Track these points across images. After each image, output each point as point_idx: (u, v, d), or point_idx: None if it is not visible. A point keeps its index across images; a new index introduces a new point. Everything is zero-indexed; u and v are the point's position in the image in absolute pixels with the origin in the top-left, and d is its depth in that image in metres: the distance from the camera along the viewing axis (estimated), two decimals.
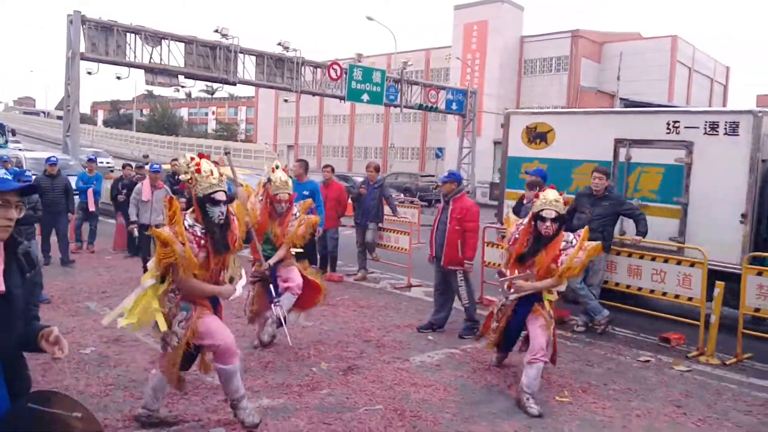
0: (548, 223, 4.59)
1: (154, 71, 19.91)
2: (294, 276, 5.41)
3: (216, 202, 3.51)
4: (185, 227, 3.48)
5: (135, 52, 19.59)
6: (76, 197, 10.27)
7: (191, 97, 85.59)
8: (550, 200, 4.65)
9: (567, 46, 45.21)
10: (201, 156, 3.66)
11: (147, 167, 10.33)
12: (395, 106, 28.57)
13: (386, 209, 9.44)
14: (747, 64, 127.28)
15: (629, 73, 42.13)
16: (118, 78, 19.63)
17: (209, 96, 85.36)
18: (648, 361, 5.62)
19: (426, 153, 52.45)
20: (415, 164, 54.27)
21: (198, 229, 3.52)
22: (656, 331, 6.42)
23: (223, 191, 3.56)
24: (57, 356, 2.03)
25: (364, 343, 5.77)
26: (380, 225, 9.28)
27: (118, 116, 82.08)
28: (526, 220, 4.90)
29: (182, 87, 22.97)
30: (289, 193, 5.36)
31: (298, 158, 8.29)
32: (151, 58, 19.93)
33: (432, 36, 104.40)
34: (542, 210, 4.63)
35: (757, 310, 5.58)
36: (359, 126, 59.06)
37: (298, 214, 5.51)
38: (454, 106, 30.68)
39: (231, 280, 3.76)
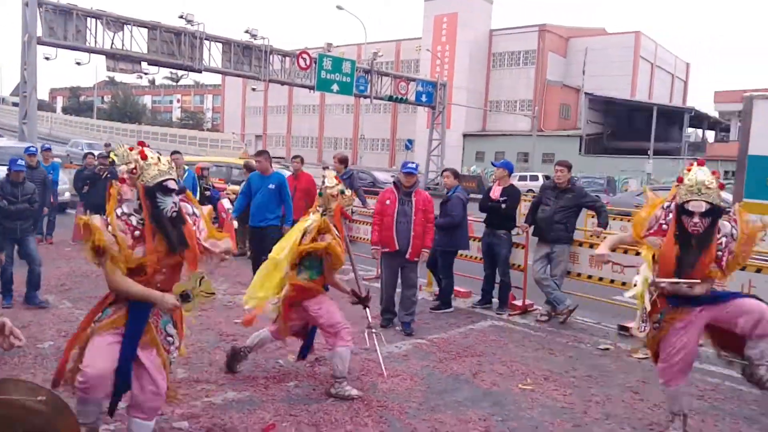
0: (696, 219, 3.42)
1: (115, 57, 19.47)
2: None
3: (168, 191, 3.07)
4: (117, 215, 3.05)
5: (96, 38, 19.12)
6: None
7: (155, 84, 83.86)
8: (699, 184, 3.42)
9: (534, 40, 45.76)
10: (141, 144, 3.25)
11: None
12: (365, 97, 28.54)
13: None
14: (706, 61, 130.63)
15: (594, 68, 42.94)
16: (78, 64, 19.19)
17: (174, 83, 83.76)
18: (607, 349, 5.79)
19: (396, 145, 52.53)
20: (385, 156, 54.37)
21: (135, 219, 3.07)
22: (616, 320, 6.62)
23: (174, 179, 3.15)
24: (16, 344, 1.98)
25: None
26: (349, 217, 9.29)
27: (78, 103, 79.98)
28: (670, 204, 3.66)
29: (145, 74, 22.60)
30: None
31: (259, 150, 7.99)
32: (112, 43, 19.48)
33: (402, 27, 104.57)
34: (688, 201, 3.44)
35: None
36: (329, 116, 58.81)
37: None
38: (423, 98, 30.79)
39: (184, 297, 3.13)
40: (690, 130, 43.16)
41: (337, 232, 4.54)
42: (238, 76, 25.27)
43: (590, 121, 43.62)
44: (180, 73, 71.63)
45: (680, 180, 3.53)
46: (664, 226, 3.65)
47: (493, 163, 7.38)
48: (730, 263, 3.57)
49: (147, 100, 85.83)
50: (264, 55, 23.26)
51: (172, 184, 3.10)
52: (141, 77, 24.03)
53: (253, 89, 41.47)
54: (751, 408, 4.47)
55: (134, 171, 3.10)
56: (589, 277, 6.71)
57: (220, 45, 22.11)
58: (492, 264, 7.13)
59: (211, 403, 4.01)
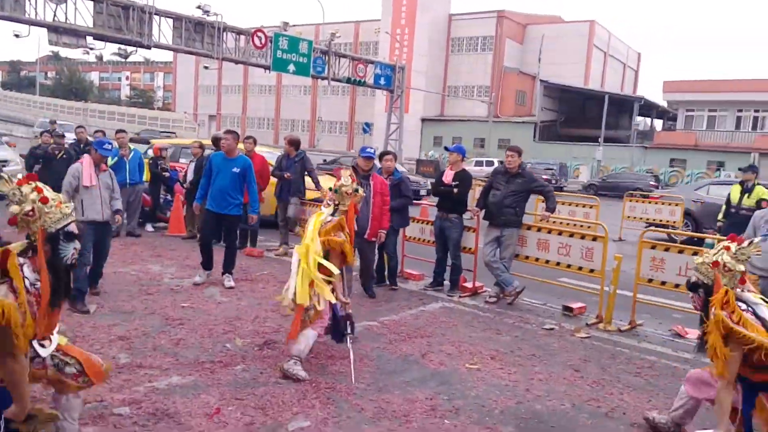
0: (690, 293, 3.45)
1: (58, 30, 18.61)
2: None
3: (72, 237, 2.75)
4: (26, 287, 2.59)
5: (36, 9, 18.22)
6: None
7: (103, 60, 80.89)
8: (700, 258, 3.40)
9: (492, 26, 46.11)
10: (31, 177, 2.79)
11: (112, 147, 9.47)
12: (323, 79, 28.22)
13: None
14: (656, 51, 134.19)
15: (550, 56, 43.60)
16: (17, 36, 18.30)
17: (123, 60, 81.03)
18: (552, 329, 5.95)
19: (354, 128, 52.31)
20: (343, 139, 54.08)
21: (37, 284, 2.67)
22: (561, 301, 6.81)
23: (76, 222, 2.84)
24: None
25: (282, 318, 5.75)
26: (302, 199, 9.23)
27: (18, 78, 76.49)
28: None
29: (91, 49, 21.76)
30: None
31: (228, 129, 7.60)
32: (55, 16, 18.59)
33: (361, 8, 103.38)
34: None
35: (650, 280, 6.03)
36: (286, 97, 58.05)
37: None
38: (382, 81, 30.68)
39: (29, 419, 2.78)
40: (639, 118, 44.39)
41: (347, 231, 4.74)
42: (190, 53, 24.61)
43: (545, 108, 44.40)
44: (129, 49, 69.26)
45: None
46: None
47: (446, 148, 7.43)
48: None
49: (94, 76, 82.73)
50: (217, 33, 22.70)
51: (74, 228, 2.79)
52: (87, 53, 23.20)
53: (206, 67, 40.62)
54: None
55: (30, 214, 2.67)
56: (537, 259, 6.87)
57: (170, 20, 21.44)
58: (444, 247, 7.22)
59: (154, 388, 3.95)
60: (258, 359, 4.63)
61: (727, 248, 3.25)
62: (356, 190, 4.87)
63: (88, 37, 19.69)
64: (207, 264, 7.00)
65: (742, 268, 3.22)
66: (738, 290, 3.26)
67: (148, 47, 21.34)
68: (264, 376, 4.30)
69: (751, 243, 3.26)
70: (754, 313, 3.16)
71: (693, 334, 5.96)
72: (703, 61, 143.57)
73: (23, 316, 2.54)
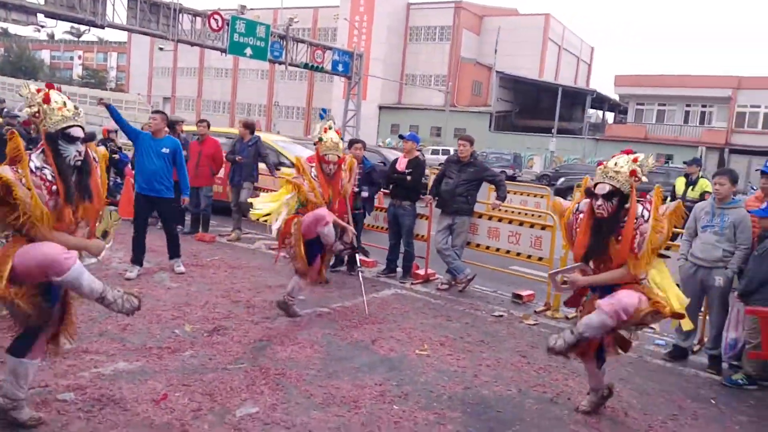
0: (600, 202, 3.48)
1: (7, 6, 17.75)
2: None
3: (72, 139, 2.93)
4: (31, 169, 2.84)
5: None
6: None
7: (54, 38, 77.72)
8: (608, 168, 3.53)
9: (450, 16, 46.28)
10: (49, 86, 3.06)
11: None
12: (280, 63, 27.79)
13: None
14: (609, 45, 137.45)
15: (505, 47, 44.13)
16: None
17: (75, 39, 77.97)
18: (501, 315, 6.08)
19: (312, 113, 51.86)
20: (300, 124, 53.56)
21: (48, 173, 2.90)
22: (511, 288, 6.96)
23: (80, 127, 2.99)
24: None
25: (233, 303, 5.72)
26: (256, 184, 9.12)
27: None
28: (584, 204, 3.69)
29: (42, 26, 20.81)
30: (339, 156, 5.39)
31: (156, 110, 7.27)
32: None
33: None
34: (596, 184, 3.53)
35: None
36: (242, 81, 57.03)
37: (343, 166, 5.63)
38: (340, 68, 30.41)
39: (104, 235, 3.33)
40: (591, 111, 45.48)
41: (314, 177, 5.36)
42: (145, 34, 23.85)
43: (500, 98, 44.97)
44: (82, 28, 66.69)
45: (600, 163, 3.66)
46: (577, 228, 3.71)
47: (401, 136, 7.46)
48: (642, 245, 3.44)
49: (45, 55, 79.34)
50: (173, 14, 22.04)
51: (76, 132, 2.96)
52: (38, 30, 22.14)
53: (161, 49, 39.48)
54: (626, 369, 4.86)
55: (37, 115, 2.95)
56: (487, 247, 6.99)
57: (125, 0, 20.71)
58: (397, 234, 7.27)
59: (99, 374, 3.86)
60: (207, 345, 4.58)
61: (635, 160, 3.50)
62: (320, 139, 5.40)
63: (39, 15, 18.82)
64: (138, 258, 6.50)
65: (645, 179, 3.53)
66: None
67: (102, 27, 20.56)
68: (213, 363, 4.26)
69: (648, 156, 3.60)
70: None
71: None
72: (654, 56, 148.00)
73: (30, 195, 2.77)
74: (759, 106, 36.44)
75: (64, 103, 2.99)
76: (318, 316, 5.62)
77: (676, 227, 3.72)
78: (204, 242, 8.42)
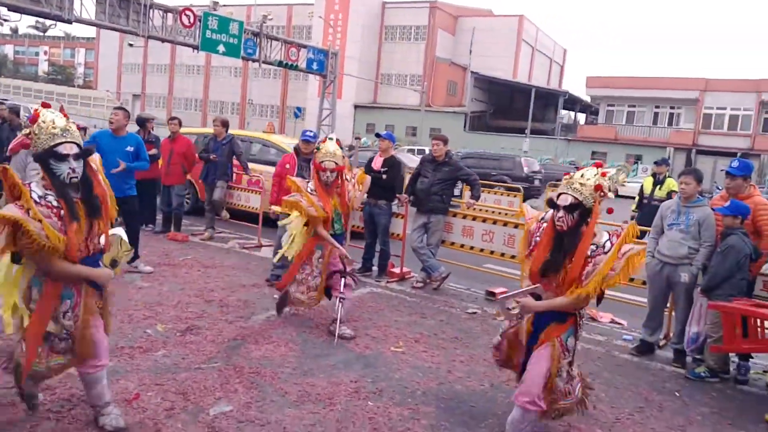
0: (561, 213, 3.20)
1: None
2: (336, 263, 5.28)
3: (61, 157, 2.85)
4: (35, 200, 2.79)
5: None
6: None
7: (18, 33, 75.85)
8: (575, 179, 3.25)
9: (425, 16, 46.43)
10: (44, 105, 3.02)
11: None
12: (254, 61, 27.53)
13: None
14: (581, 47, 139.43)
15: (480, 48, 44.47)
16: None
17: (41, 34, 76.20)
18: (475, 313, 6.15)
19: (286, 112, 51.56)
20: (274, 123, 53.14)
21: (52, 199, 2.86)
22: (484, 286, 7.03)
23: (73, 143, 2.89)
24: None
25: (206, 303, 5.68)
26: (230, 183, 9.06)
27: None
28: (548, 214, 3.42)
29: (5, 20, 20.31)
30: (336, 163, 5.03)
31: (118, 106, 7.02)
32: None
33: None
34: (559, 195, 3.26)
35: None
36: (215, 79, 56.40)
37: (348, 177, 5.33)
38: (315, 66, 30.28)
39: (113, 264, 3.25)
40: (563, 112, 46.12)
41: (311, 191, 5.08)
42: (114, 29, 23.39)
43: (475, 99, 45.30)
44: (48, 22, 65.20)
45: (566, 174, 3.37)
46: (537, 240, 3.42)
47: (378, 134, 7.49)
48: (591, 275, 3.12)
49: (8, 50, 77.48)
50: (143, 9, 21.68)
51: (64, 149, 2.87)
52: (1, 24, 21.49)
53: (131, 45, 38.80)
54: (595, 364, 4.97)
55: (30, 137, 2.91)
56: (462, 246, 7.06)
57: None
58: (373, 233, 7.29)
59: (69, 374, 3.77)
60: (180, 345, 4.55)
61: (604, 174, 3.24)
62: (317, 148, 5.19)
63: (2, 8, 18.35)
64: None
65: (612, 196, 3.35)
66: None
67: (69, 21, 20.07)
68: (186, 362, 4.23)
69: (619, 170, 3.43)
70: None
71: (606, 317, 6.33)
72: (624, 58, 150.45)
73: (41, 226, 2.74)
74: (725, 108, 37.37)
75: (53, 121, 2.91)
76: (293, 314, 5.61)
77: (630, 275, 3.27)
78: (176, 241, 8.33)
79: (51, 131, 2.88)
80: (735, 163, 5.02)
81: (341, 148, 5.20)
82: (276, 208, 6.53)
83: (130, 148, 6.51)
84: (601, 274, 3.09)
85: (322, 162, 5.02)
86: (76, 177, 2.91)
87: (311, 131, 6.70)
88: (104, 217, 3.11)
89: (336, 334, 4.98)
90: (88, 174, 3.01)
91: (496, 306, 3.79)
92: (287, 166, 6.58)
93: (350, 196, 5.28)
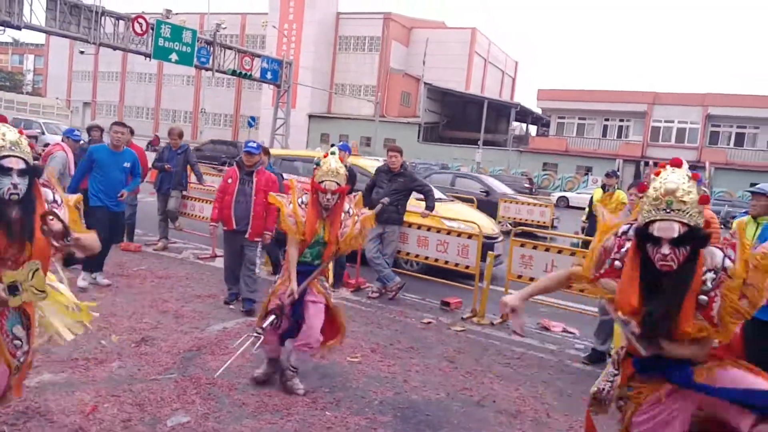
0: (666, 250, 2.25)
1: None
2: (315, 325, 4.18)
3: (5, 170, 2.62)
4: None
5: None
6: None
7: None
8: (669, 194, 2.27)
9: (379, 27, 46.87)
10: (1, 119, 2.79)
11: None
12: (207, 69, 27.32)
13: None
14: (532, 60, 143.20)
15: (433, 60, 45.17)
16: None
17: None
18: (430, 322, 6.27)
19: (240, 121, 51.06)
20: (228, 132, 52.63)
21: None
22: (439, 296, 7.18)
23: (19, 157, 2.68)
24: None
25: (161, 314, 5.63)
26: (184, 192, 8.98)
27: None
28: (629, 228, 2.50)
29: None
30: (338, 183, 4.10)
31: (119, 122, 6.77)
32: None
33: (248, 0, 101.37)
34: (652, 222, 2.29)
35: (519, 276, 6.54)
36: (167, 87, 55.44)
37: (351, 210, 4.29)
38: (269, 75, 30.22)
39: (12, 289, 2.72)
40: (515, 123, 47.17)
41: (302, 203, 4.20)
42: (65, 36, 22.86)
43: (428, 110, 45.90)
44: None
45: (642, 188, 2.39)
46: (618, 264, 2.47)
47: (333, 146, 7.56)
48: (723, 312, 2.28)
49: None
50: (95, 17, 21.28)
51: (8, 163, 2.64)
52: None
53: (82, 52, 37.70)
54: (548, 373, 5.14)
55: None
56: (417, 256, 7.19)
57: (44, 1, 19.78)
58: None
59: (24, 386, 3.73)
60: (135, 356, 4.51)
61: (695, 176, 2.35)
62: (317, 164, 4.21)
63: None
64: (98, 264, 6.42)
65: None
66: None
67: (18, 28, 19.51)
68: (141, 373, 4.20)
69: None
70: None
71: (558, 327, 6.52)
72: (575, 71, 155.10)
73: None
74: (672, 121, 38.91)
75: (4, 133, 2.70)
76: (248, 325, 5.61)
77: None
78: (129, 251, 8.19)
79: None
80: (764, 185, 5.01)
81: (344, 165, 4.31)
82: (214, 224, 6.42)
83: (127, 164, 6.57)
84: (733, 305, 2.27)
85: (322, 182, 4.07)
86: (17, 194, 2.66)
87: (254, 142, 6.32)
88: (39, 244, 2.71)
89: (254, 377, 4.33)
90: (30, 197, 2.72)
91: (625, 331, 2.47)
92: (229, 180, 6.18)
93: (344, 231, 4.21)
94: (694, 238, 2.26)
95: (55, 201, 2.85)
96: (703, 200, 2.29)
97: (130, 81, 57.22)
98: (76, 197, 3.04)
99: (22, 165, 2.68)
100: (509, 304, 2.73)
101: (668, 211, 2.25)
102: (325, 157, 4.22)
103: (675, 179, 2.29)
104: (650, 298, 2.34)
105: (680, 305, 2.30)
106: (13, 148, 2.69)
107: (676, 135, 38.97)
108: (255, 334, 4.11)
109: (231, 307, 6.13)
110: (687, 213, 2.25)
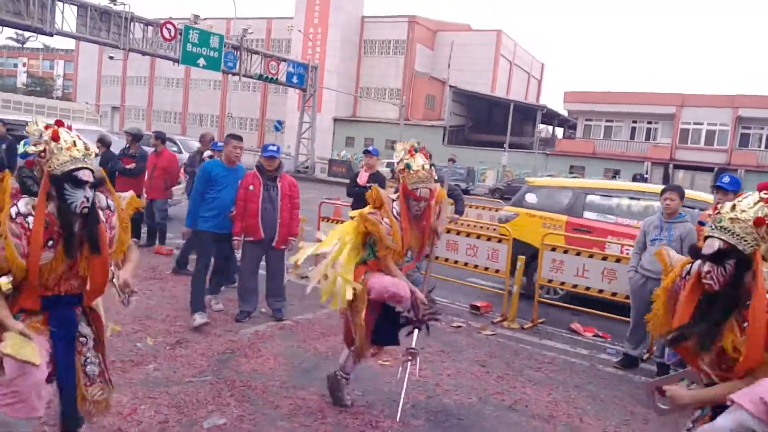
0: (707, 267, 2.28)
1: None
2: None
3: (79, 183, 2.53)
4: (11, 215, 2.48)
5: None
6: None
7: None
8: (726, 213, 2.28)
9: (404, 30, 46.87)
10: (58, 123, 2.70)
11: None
12: (234, 74, 27.68)
13: None
14: (558, 62, 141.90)
15: (458, 63, 45.01)
16: None
17: (19, 45, 75.28)
18: (460, 326, 6.24)
19: (266, 125, 51.53)
20: (254, 136, 53.13)
21: (31, 220, 2.52)
22: (469, 299, 7.14)
23: (91, 170, 2.60)
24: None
25: None
26: None
27: None
28: (694, 266, 2.47)
29: None
30: (431, 189, 3.80)
31: (232, 134, 6.06)
32: None
33: (274, 5, 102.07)
34: (706, 238, 2.32)
35: (550, 281, 6.46)
36: (194, 91, 56.21)
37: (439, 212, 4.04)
38: (294, 80, 30.50)
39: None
40: (541, 126, 46.74)
41: (396, 214, 3.80)
42: (95, 42, 23.39)
43: (453, 113, 45.76)
44: (27, 34, 64.53)
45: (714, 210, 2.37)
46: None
47: (366, 150, 7.60)
48: None
49: None
50: (124, 22, 21.73)
51: (85, 175, 2.57)
52: None
53: (111, 57, 38.47)
54: (580, 377, 5.07)
55: (42, 155, 2.56)
56: (446, 259, 7.16)
57: (74, 7, 20.26)
58: None
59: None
60: (170, 358, 4.57)
61: (767, 201, 2.23)
62: (408, 167, 3.80)
63: None
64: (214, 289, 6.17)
65: None
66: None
67: (50, 34, 20.06)
68: (177, 375, 4.25)
69: None
70: None
71: (589, 332, 6.42)
72: (601, 73, 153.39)
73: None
74: (702, 123, 38.16)
75: (74, 143, 2.61)
76: (279, 329, 5.65)
77: None
78: (162, 255, 8.31)
79: (73, 153, 2.58)
80: (726, 179, 5.00)
81: (432, 165, 3.91)
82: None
83: (238, 183, 5.86)
84: None
85: (416, 189, 3.75)
86: (87, 208, 2.61)
87: (274, 145, 5.88)
88: (100, 258, 2.69)
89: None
90: (95, 207, 2.68)
91: (650, 397, 2.65)
92: (251, 187, 5.67)
93: (433, 224, 4.02)
94: (737, 259, 2.22)
95: (108, 207, 2.82)
96: (758, 222, 2.22)
97: (158, 85, 58.17)
98: (129, 196, 2.99)
99: (91, 177, 2.62)
100: (680, 402, 2.48)
101: (714, 228, 2.28)
102: (410, 155, 3.82)
103: (744, 201, 2.29)
104: (699, 325, 2.32)
105: (720, 325, 2.27)
106: (86, 159, 2.62)
107: (705, 137, 38.20)
108: (410, 358, 4.04)
109: (262, 310, 6.16)
110: (732, 233, 2.23)
